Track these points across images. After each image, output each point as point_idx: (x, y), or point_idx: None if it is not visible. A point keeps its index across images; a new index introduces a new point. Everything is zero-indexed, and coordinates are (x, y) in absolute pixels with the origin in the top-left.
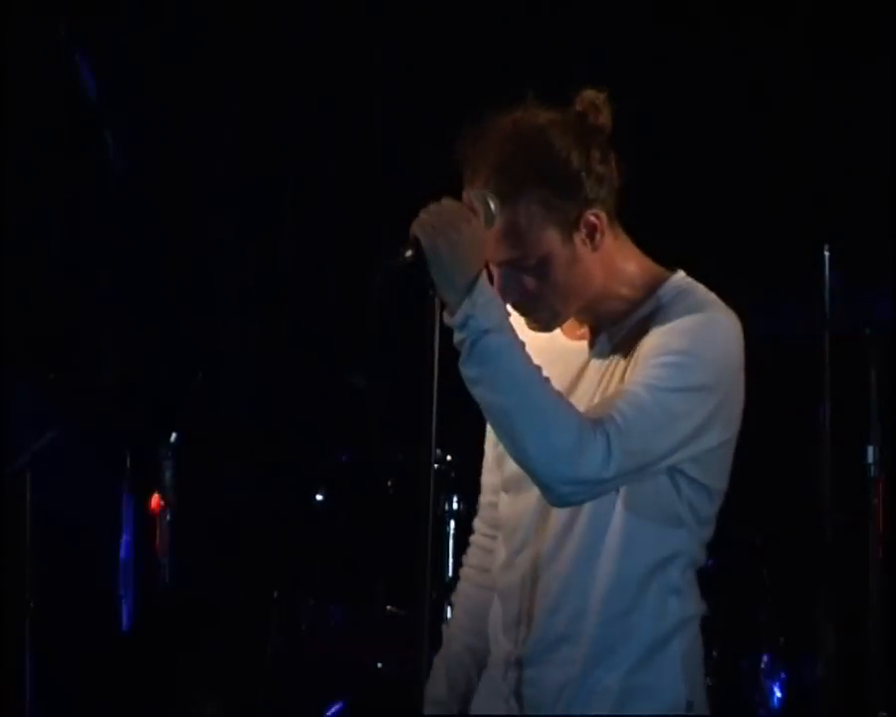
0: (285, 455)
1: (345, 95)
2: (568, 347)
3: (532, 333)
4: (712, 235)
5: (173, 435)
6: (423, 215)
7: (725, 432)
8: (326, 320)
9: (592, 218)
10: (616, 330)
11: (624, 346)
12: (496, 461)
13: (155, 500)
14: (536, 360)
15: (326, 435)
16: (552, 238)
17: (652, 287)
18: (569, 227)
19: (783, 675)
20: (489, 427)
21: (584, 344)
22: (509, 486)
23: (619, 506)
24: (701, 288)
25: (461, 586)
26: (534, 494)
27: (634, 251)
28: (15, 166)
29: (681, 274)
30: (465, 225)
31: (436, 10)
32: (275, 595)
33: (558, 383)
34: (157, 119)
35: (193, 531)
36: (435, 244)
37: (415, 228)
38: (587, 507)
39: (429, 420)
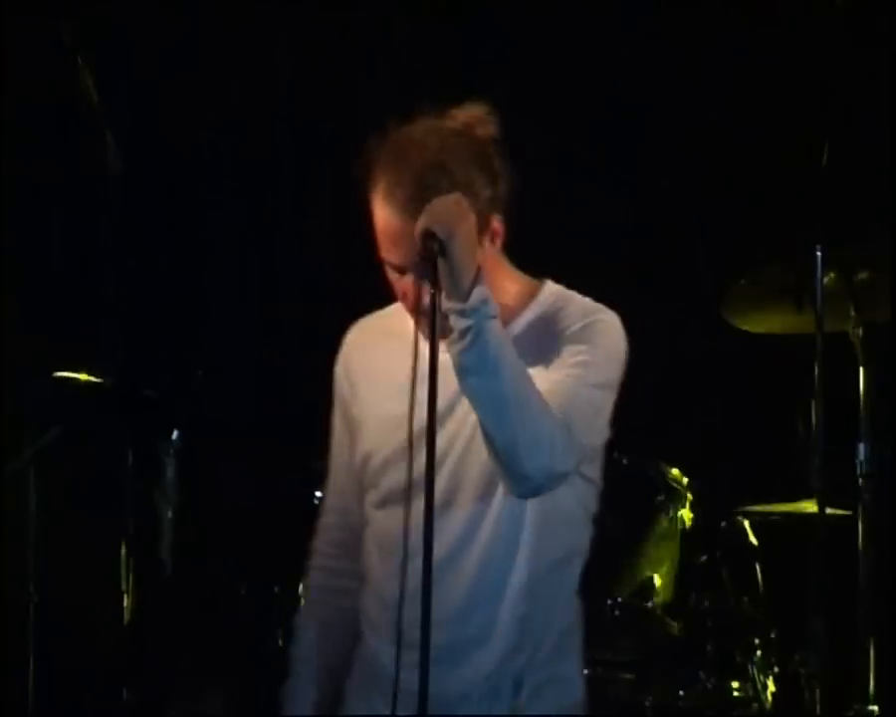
0: (285, 453)
1: (346, 92)
2: (446, 360)
3: (403, 351)
4: (705, 235)
5: (175, 433)
6: (435, 208)
7: (610, 428)
8: (327, 317)
9: (496, 224)
10: None
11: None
12: (363, 481)
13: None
14: (405, 373)
15: (326, 433)
16: None
17: (529, 296)
18: (479, 231)
19: (775, 669)
20: (336, 451)
21: None
22: (389, 500)
23: (529, 510)
24: (577, 293)
25: (312, 611)
26: (423, 503)
27: (508, 262)
28: (17, 166)
29: (550, 282)
30: (470, 216)
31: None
32: (275, 590)
33: (442, 396)
34: (158, 120)
35: (194, 528)
36: (452, 234)
37: (428, 221)
38: (494, 511)
39: (431, 417)
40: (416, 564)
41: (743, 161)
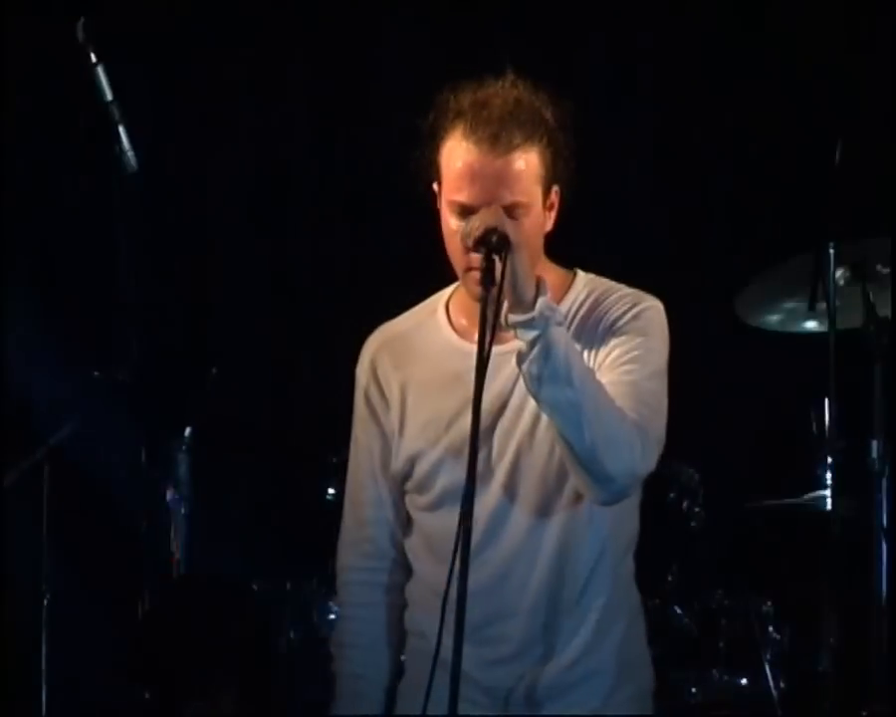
0: (297, 450)
1: (351, 90)
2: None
3: (438, 352)
4: (719, 233)
5: (187, 430)
6: (497, 212)
7: None
8: (339, 315)
9: (554, 195)
10: None
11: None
12: (403, 486)
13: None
14: (443, 374)
15: (337, 430)
16: (537, 194)
17: (565, 286)
18: (545, 193)
19: (787, 667)
20: (365, 463)
21: (505, 347)
22: (445, 500)
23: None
24: (608, 280)
25: (360, 627)
26: (488, 497)
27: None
28: (31, 165)
29: (580, 271)
30: (533, 228)
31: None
32: (287, 586)
33: (495, 390)
34: (171, 117)
35: (207, 524)
36: (519, 240)
37: (493, 220)
38: (564, 503)
39: (476, 419)
40: (484, 558)
41: (756, 160)
